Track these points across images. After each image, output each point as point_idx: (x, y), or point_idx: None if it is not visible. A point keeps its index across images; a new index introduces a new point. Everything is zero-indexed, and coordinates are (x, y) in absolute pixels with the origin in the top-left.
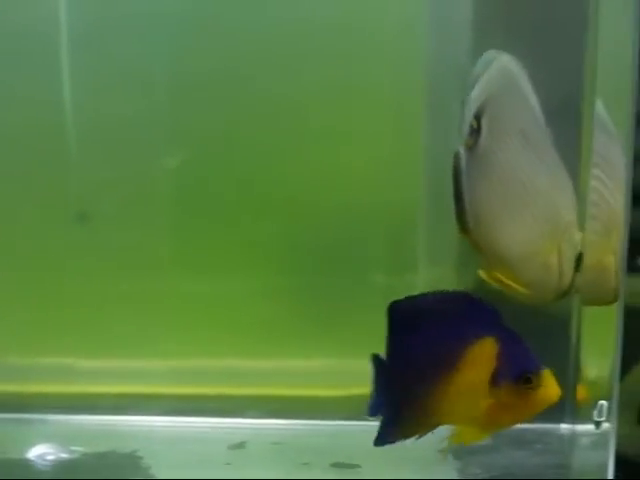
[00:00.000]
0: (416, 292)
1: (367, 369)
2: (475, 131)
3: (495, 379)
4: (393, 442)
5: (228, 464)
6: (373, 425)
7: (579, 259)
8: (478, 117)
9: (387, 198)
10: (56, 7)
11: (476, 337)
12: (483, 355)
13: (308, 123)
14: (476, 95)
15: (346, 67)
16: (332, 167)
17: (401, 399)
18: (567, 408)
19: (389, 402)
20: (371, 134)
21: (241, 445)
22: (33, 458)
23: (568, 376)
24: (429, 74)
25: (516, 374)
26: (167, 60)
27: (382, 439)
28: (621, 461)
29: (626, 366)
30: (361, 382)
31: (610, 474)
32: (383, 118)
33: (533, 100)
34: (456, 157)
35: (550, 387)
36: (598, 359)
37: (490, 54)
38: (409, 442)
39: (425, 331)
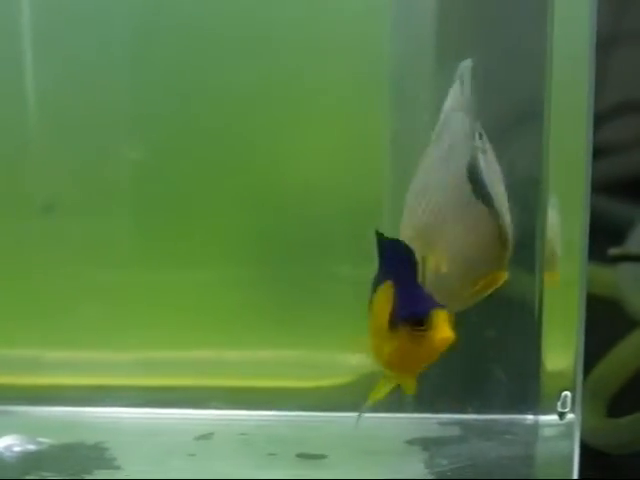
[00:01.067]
0: None
1: (334, 360)
2: (481, 135)
3: (391, 323)
4: None
5: (193, 455)
6: (339, 416)
7: None
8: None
9: (353, 190)
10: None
11: (384, 280)
12: (384, 299)
13: (273, 115)
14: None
15: (311, 58)
16: (298, 158)
17: None
18: (531, 399)
19: None
20: (336, 126)
21: (208, 436)
22: None
23: (531, 367)
24: (393, 67)
25: (405, 316)
26: (130, 49)
27: None
28: (591, 454)
29: (594, 358)
30: (328, 373)
31: (575, 465)
32: (348, 110)
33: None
34: (474, 167)
35: (440, 329)
36: (561, 350)
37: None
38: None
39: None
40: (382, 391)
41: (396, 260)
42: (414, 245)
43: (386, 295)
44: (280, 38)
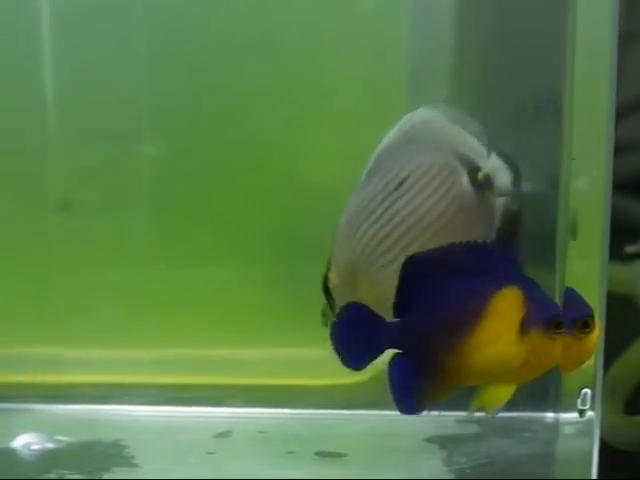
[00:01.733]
0: None
1: None
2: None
3: (524, 327)
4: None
5: (212, 453)
6: (357, 414)
7: None
8: None
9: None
10: None
11: (498, 287)
12: (508, 304)
13: (291, 114)
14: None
15: (330, 58)
16: (316, 157)
17: (420, 360)
18: (551, 397)
19: (406, 366)
20: (354, 125)
21: (226, 434)
22: (18, 447)
23: None
24: (412, 66)
25: (546, 319)
26: (149, 47)
27: (407, 406)
28: (609, 451)
29: (611, 356)
30: (346, 371)
31: (594, 463)
32: (367, 109)
33: None
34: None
35: (597, 330)
36: None
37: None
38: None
39: (443, 284)
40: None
41: (505, 264)
42: (342, 273)
43: (512, 299)
44: (298, 37)
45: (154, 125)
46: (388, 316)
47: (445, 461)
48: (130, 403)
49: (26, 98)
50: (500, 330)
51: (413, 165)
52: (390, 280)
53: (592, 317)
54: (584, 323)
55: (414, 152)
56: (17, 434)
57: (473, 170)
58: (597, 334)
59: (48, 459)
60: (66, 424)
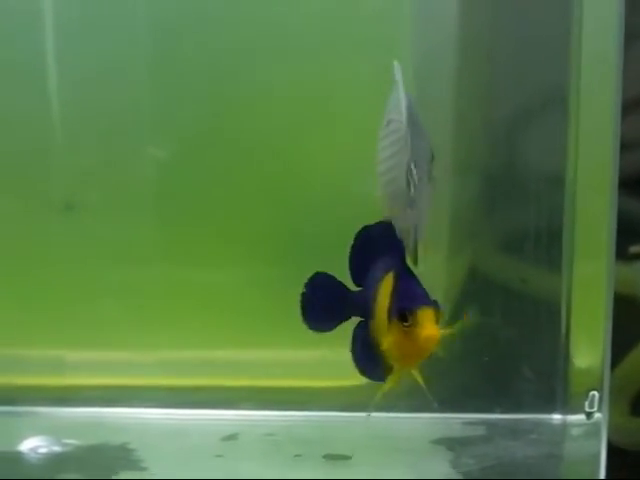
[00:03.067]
0: None
1: None
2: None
3: (389, 316)
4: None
5: (220, 456)
6: (364, 417)
7: None
8: None
9: (372, 192)
10: None
11: (386, 271)
12: (385, 290)
13: (299, 116)
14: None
15: (333, 59)
16: (325, 159)
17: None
18: (559, 399)
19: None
20: (363, 124)
21: (233, 437)
22: (25, 451)
23: (558, 366)
24: (416, 65)
25: (397, 311)
26: (153, 48)
27: (372, 373)
28: (615, 452)
29: (616, 357)
30: (353, 373)
31: (602, 463)
32: (373, 107)
33: None
34: None
35: (424, 327)
36: (588, 349)
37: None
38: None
39: (377, 259)
40: (390, 382)
41: (388, 249)
42: None
43: (387, 288)
44: (303, 37)
45: (158, 126)
46: None
47: (453, 463)
48: (137, 406)
49: (30, 99)
50: (380, 316)
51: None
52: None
53: (412, 311)
54: (402, 316)
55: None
56: (24, 437)
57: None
58: (431, 332)
59: (55, 462)
60: (72, 427)
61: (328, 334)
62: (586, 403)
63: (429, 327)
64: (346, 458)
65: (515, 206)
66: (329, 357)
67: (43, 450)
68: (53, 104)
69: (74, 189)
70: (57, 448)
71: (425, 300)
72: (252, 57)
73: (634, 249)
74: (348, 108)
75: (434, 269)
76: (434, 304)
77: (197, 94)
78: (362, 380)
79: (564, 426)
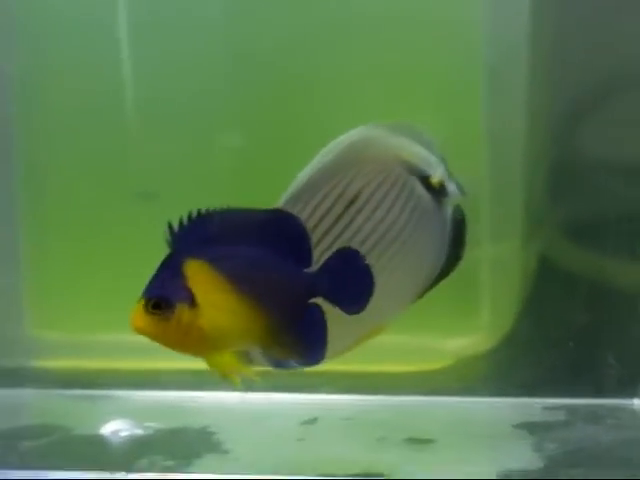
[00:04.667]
0: (482, 268)
1: (438, 345)
2: None
3: None
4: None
5: (301, 440)
6: (444, 400)
7: None
8: None
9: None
10: None
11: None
12: None
13: (370, 102)
14: None
15: (405, 49)
16: None
17: None
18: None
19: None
20: (431, 108)
21: (313, 421)
22: (107, 434)
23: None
24: (488, 54)
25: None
26: (228, 35)
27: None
28: None
29: None
30: (432, 358)
31: None
32: (443, 93)
33: None
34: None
35: (132, 315)
36: None
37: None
38: None
39: None
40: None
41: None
42: None
43: None
44: (374, 25)
45: (236, 116)
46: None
47: (535, 447)
48: (217, 389)
49: (108, 89)
50: None
51: (363, 180)
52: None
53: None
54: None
55: (358, 168)
56: (105, 421)
57: (424, 179)
58: (132, 323)
59: (138, 445)
60: (153, 410)
61: (405, 318)
62: None
63: (134, 317)
64: (429, 442)
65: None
66: (408, 342)
67: (124, 433)
68: (128, 90)
69: (153, 178)
70: (139, 431)
71: (153, 290)
72: (328, 47)
73: None
74: (421, 94)
75: (510, 258)
76: (146, 293)
77: (276, 84)
78: (442, 364)
79: None
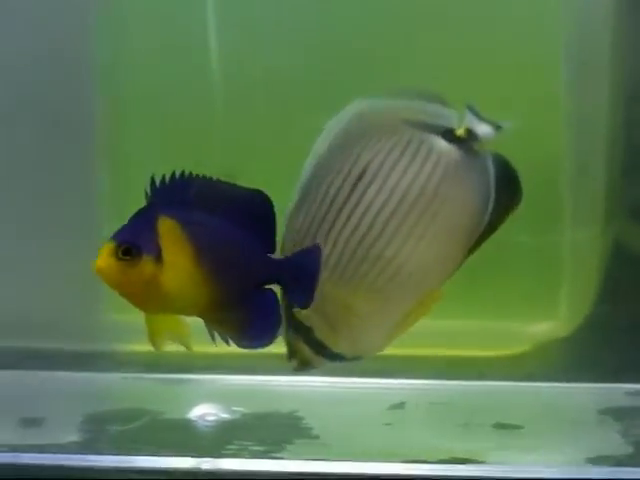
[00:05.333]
0: (562, 253)
1: (519, 330)
2: None
3: None
4: None
5: (388, 424)
6: (530, 386)
7: None
8: None
9: (530, 158)
10: None
11: None
12: None
13: (453, 86)
14: None
15: (486, 33)
16: None
17: None
18: None
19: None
20: (512, 98)
21: (400, 405)
22: (194, 418)
23: None
24: (568, 40)
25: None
26: (316, 19)
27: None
28: None
29: None
30: (513, 343)
31: None
32: (523, 84)
33: None
34: None
35: (99, 257)
36: None
37: None
38: None
39: None
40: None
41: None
42: None
43: None
44: (458, 14)
45: (320, 96)
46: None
47: (622, 433)
48: (302, 374)
49: (193, 71)
50: None
51: (370, 153)
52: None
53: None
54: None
55: (365, 141)
56: (192, 405)
57: (448, 132)
58: (98, 263)
59: (226, 430)
60: (239, 395)
61: (487, 304)
62: None
63: (98, 258)
64: (518, 427)
65: None
66: (489, 327)
67: (211, 418)
68: (214, 73)
69: (236, 161)
70: (226, 416)
71: (115, 234)
72: (417, 30)
73: None
74: (504, 76)
75: (590, 243)
76: (118, 237)
77: (364, 66)
78: (523, 349)
79: None
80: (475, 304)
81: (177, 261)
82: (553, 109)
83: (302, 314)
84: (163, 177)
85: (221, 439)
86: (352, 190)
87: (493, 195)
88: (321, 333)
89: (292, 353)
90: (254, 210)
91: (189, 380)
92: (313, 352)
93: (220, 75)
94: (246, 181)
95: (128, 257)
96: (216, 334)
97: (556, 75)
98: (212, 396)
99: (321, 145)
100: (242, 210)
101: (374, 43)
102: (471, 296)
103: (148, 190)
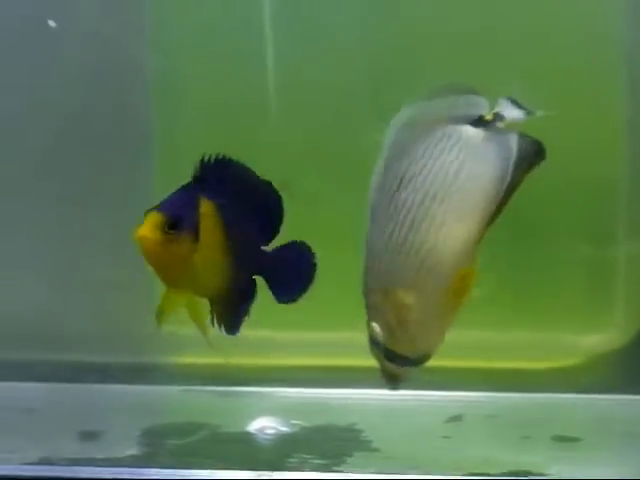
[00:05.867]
0: (617, 264)
1: (573, 342)
2: None
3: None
4: None
5: (447, 437)
6: (586, 398)
7: None
8: None
9: (588, 171)
10: None
11: None
12: None
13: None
14: None
15: (544, 43)
16: None
17: None
18: None
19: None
20: (570, 109)
21: (458, 418)
22: (254, 432)
23: None
24: (629, 47)
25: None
26: (371, 30)
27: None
28: None
29: None
30: (567, 354)
31: None
32: (582, 93)
33: None
34: None
35: (139, 226)
36: None
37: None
38: None
39: None
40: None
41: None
42: None
43: None
44: (513, 25)
45: (375, 110)
46: None
47: None
48: (359, 386)
49: (249, 83)
50: None
51: (409, 159)
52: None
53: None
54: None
55: (406, 149)
56: (251, 418)
57: (478, 119)
58: (142, 232)
59: (286, 443)
60: (298, 408)
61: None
62: None
63: (143, 227)
64: (576, 440)
65: None
66: (543, 339)
67: (271, 431)
68: (270, 85)
69: (289, 172)
70: (285, 429)
71: (159, 205)
72: (465, 46)
73: None
74: (563, 91)
75: None
76: (166, 210)
77: (415, 74)
78: (577, 361)
79: None
80: (530, 316)
81: (211, 242)
82: (613, 121)
83: (373, 331)
84: (209, 157)
85: (282, 452)
86: (395, 193)
87: (512, 165)
88: (391, 342)
89: (382, 372)
90: (262, 199)
91: (247, 393)
92: (394, 365)
93: (275, 89)
94: (298, 194)
95: (173, 231)
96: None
97: (617, 85)
98: (271, 409)
99: (380, 162)
100: (254, 198)
101: (431, 58)
102: (525, 308)
103: (198, 167)
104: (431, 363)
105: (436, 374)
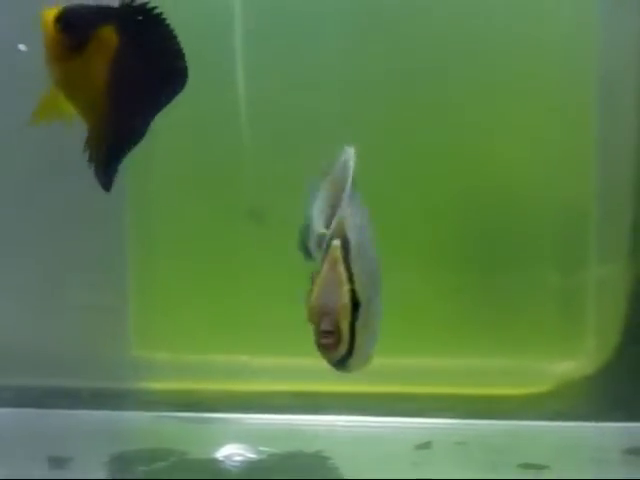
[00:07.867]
0: (587, 290)
1: (543, 368)
2: None
3: None
4: None
5: (416, 464)
6: (554, 425)
7: None
8: None
9: (558, 194)
10: (231, 1)
11: None
12: None
13: (477, 120)
14: None
15: (515, 64)
16: (502, 165)
17: None
18: None
19: None
20: (541, 131)
21: (427, 445)
22: (221, 458)
23: None
24: (600, 67)
25: None
26: (340, 55)
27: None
28: None
29: None
30: (537, 381)
31: None
32: (553, 114)
33: None
34: None
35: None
36: None
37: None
38: None
39: None
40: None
41: None
42: None
43: None
44: (488, 43)
45: (349, 133)
46: None
47: None
48: (326, 413)
49: (220, 106)
50: None
51: None
52: None
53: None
54: None
55: None
56: (219, 445)
57: None
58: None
59: (254, 470)
60: (265, 434)
61: (514, 342)
62: None
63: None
64: (542, 467)
65: None
66: (513, 365)
67: (238, 458)
68: (241, 109)
69: (263, 197)
70: (253, 455)
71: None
72: (438, 64)
73: None
74: (534, 112)
75: (615, 280)
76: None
77: (384, 99)
78: (547, 388)
79: None
80: (500, 342)
81: (96, 65)
82: (585, 152)
83: None
84: None
85: (249, 479)
86: None
87: None
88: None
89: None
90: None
91: (214, 419)
92: None
93: (247, 113)
94: (274, 219)
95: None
96: None
97: (590, 110)
98: (238, 435)
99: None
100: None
101: (411, 76)
102: (496, 334)
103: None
104: (401, 389)
105: (406, 401)
